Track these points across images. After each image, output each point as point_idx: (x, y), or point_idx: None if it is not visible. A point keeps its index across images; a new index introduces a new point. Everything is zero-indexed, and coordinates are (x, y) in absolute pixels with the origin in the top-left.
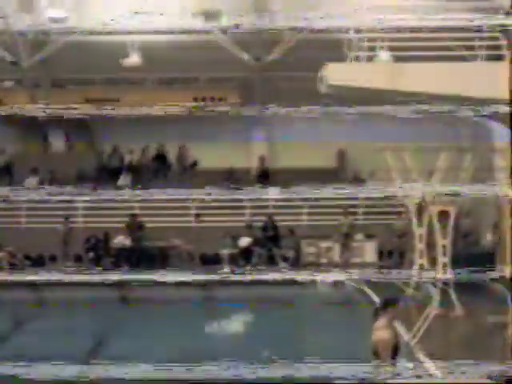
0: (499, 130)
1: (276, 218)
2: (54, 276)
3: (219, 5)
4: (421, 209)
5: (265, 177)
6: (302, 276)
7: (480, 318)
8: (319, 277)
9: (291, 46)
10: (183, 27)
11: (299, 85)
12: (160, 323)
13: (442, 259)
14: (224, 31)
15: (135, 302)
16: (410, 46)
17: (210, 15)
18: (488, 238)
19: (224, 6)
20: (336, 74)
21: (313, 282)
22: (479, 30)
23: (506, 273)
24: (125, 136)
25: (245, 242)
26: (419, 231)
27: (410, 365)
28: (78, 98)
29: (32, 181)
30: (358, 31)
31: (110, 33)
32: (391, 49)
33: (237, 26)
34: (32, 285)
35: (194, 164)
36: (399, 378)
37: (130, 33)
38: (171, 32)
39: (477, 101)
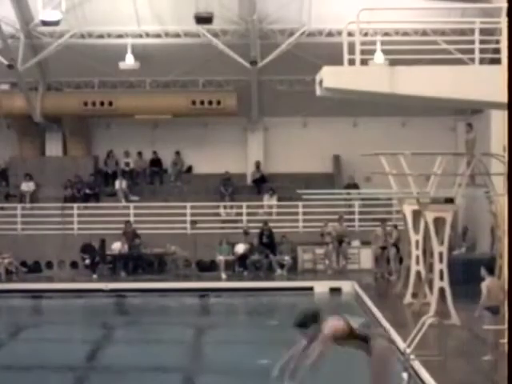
0: None
1: (272, 224)
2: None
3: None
4: (417, 215)
5: (261, 182)
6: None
7: (475, 326)
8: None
9: (288, 49)
10: (176, 30)
11: (296, 88)
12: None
13: (439, 266)
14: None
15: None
16: (407, 49)
17: (201, 19)
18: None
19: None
20: (332, 77)
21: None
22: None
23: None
24: (121, 140)
25: (241, 248)
26: (415, 238)
27: (405, 374)
28: (75, 102)
29: (28, 185)
30: (354, 34)
31: (103, 36)
32: (388, 52)
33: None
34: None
35: (189, 169)
36: None
37: (125, 36)
38: (164, 35)
39: (474, 104)
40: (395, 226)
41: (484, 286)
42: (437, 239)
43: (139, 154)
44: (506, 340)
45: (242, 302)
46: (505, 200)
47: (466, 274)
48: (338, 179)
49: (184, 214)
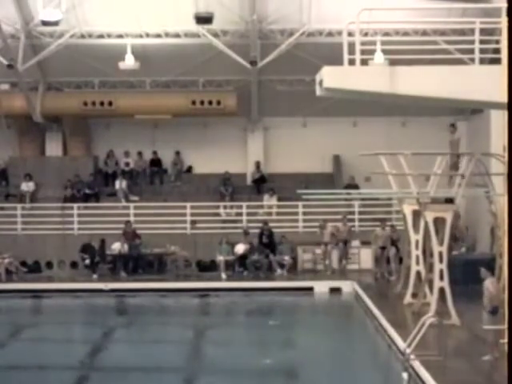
0: None
1: (272, 224)
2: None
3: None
4: (417, 215)
5: (261, 182)
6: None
7: (475, 326)
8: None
9: (288, 49)
10: (176, 30)
11: (296, 88)
12: None
13: (439, 266)
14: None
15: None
16: (407, 49)
17: (201, 19)
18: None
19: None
20: (332, 77)
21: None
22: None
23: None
24: (121, 140)
25: (241, 248)
26: (415, 237)
27: (405, 374)
28: (75, 102)
29: (28, 186)
30: (354, 34)
31: (103, 36)
32: (388, 52)
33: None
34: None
35: (189, 169)
36: None
37: (125, 36)
38: (164, 35)
39: (474, 104)
40: (392, 226)
41: (487, 285)
42: (437, 239)
43: (139, 154)
44: (506, 340)
45: (242, 302)
46: (505, 200)
47: (466, 274)
48: (337, 179)
49: (184, 214)
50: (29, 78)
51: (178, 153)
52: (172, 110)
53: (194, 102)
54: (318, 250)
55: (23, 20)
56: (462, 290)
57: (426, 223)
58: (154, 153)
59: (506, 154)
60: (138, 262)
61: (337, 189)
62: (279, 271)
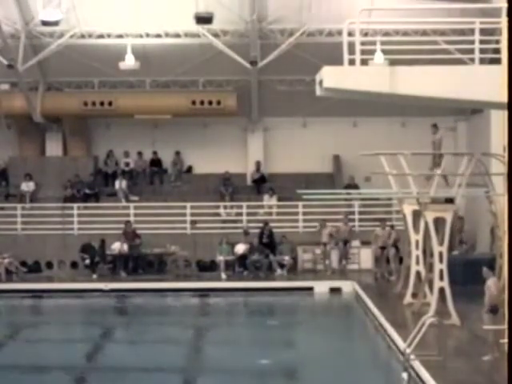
0: None
1: (272, 224)
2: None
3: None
4: (417, 215)
5: (261, 182)
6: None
7: (475, 326)
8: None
9: (288, 49)
10: (176, 30)
11: (296, 88)
12: None
13: (439, 266)
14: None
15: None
16: (407, 49)
17: (201, 19)
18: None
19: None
20: (332, 77)
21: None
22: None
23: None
24: (121, 140)
25: (241, 248)
26: (415, 237)
27: (405, 374)
28: (75, 102)
29: (28, 185)
30: (354, 34)
31: (103, 36)
32: (388, 52)
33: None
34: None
35: (189, 169)
36: None
37: (125, 36)
38: (164, 35)
39: (474, 104)
40: (392, 227)
41: (489, 285)
42: (437, 239)
43: (139, 154)
44: (506, 340)
45: (242, 302)
46: (505, 200)
47: (466, 274)
48: (338, 179)
49: (184, 214)
50: (29, 78)
51: (178, 153)
52: (172, 110)
53: (194, 102)
54: (318, 250)
55: (23, 20)
56: (461, 290)
57: (426, 223)
58: (154, 153)
59: (506, 154)
60: (137, 262)
61: (337, 189)
62: (279, 271)
